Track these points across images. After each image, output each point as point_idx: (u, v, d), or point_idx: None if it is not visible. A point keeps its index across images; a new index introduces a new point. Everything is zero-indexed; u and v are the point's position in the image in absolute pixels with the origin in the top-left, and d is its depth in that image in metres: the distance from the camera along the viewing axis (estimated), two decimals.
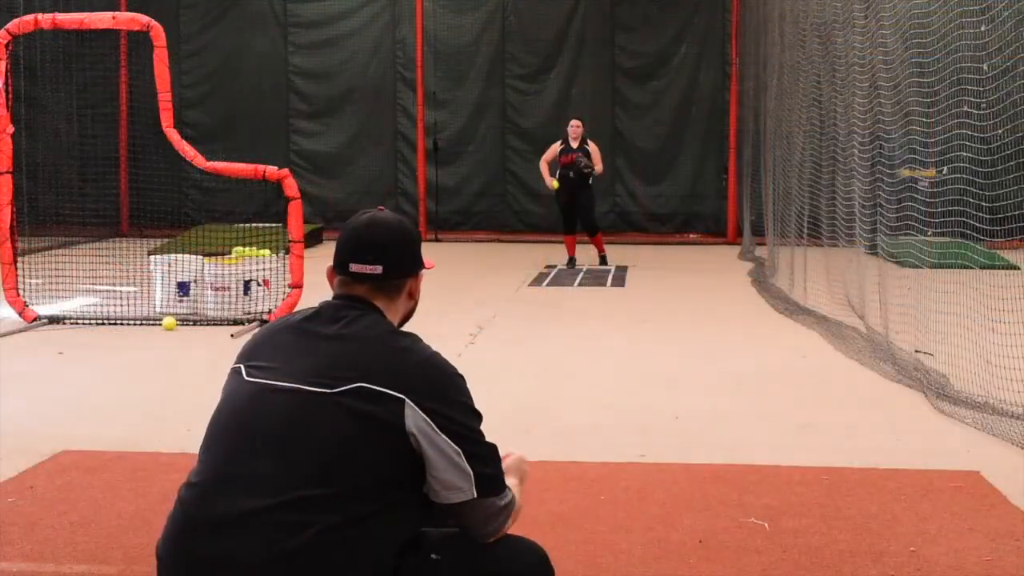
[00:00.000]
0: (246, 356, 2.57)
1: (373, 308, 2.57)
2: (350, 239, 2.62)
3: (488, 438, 2.52)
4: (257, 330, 2.68)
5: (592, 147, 13.24)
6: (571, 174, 13.06)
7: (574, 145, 13.18)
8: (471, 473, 2.43)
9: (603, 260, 13.66)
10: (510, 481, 2.58)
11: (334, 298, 2.62)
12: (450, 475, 2.43)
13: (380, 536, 2.36)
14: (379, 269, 2.58)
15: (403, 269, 2.63)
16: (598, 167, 13.21)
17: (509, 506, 2.53)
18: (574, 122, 13.38)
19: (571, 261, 13.48)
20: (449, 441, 2.41)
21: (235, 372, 2.56)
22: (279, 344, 2.54)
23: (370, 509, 2.35)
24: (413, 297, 2.69)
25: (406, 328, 2.66)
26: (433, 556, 2.44)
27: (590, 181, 13.26)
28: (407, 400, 2.40)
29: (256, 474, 2.37)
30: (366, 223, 2.63)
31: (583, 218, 13.41)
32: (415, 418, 2.40)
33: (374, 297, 2.59)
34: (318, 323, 2.54)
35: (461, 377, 2.53)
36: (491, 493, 2.48)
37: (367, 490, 2.36)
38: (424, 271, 2.71)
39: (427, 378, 2.46)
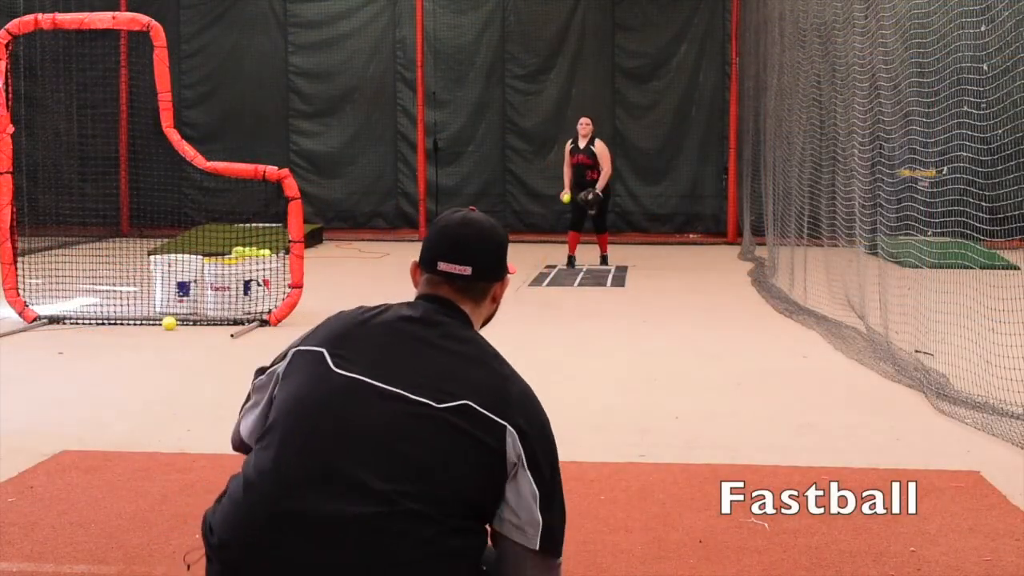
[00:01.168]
0: (330, 343, 2.44)
1: (461, 313, 2.52)
2: (442, 237, 2.56)
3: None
4: (333, 316, 2.55)
5: (600, 145, 13.18)
6: (588, 197, 12.95)
7: (582, 144, 13.14)
8: (540, 522, 2.36)
9: (604, 260, 13.63)
10: None
11: (421, 298, 2.55)
12: (523, 514, 2.36)
13: (469, 555, 2.33)
14: (468, 270, 2.52)
15: (491, 273, 2.57)
16: (606, 167, 13.14)
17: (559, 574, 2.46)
18: (583, 120, 13.27)
19: (571, 260, 13.44)
20: (532, 481, 2.36)
21: (316, 357, 2.42)
22: (370, 339, 2.45)
23: (462, 528, 2.30)
24: (496, 302, 2.63)
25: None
26: None
27: (606, 194, 13.20)
28: (508, 428, 2.35)
29: (358, 478, 2.27)
30: (459, 222, 2.56)
31: (594, 217, 13.31)
32: (513, 449, 2.35)
33: (460, 300, 2.54)
34: (416, 326, 2.47)
35: (547, 417, 2.48)
36: (550, 552, 2.39)
37: (460, 509, 2.30)
38: (509, 276, 2.65)
39: (527, 412, 2.41)
